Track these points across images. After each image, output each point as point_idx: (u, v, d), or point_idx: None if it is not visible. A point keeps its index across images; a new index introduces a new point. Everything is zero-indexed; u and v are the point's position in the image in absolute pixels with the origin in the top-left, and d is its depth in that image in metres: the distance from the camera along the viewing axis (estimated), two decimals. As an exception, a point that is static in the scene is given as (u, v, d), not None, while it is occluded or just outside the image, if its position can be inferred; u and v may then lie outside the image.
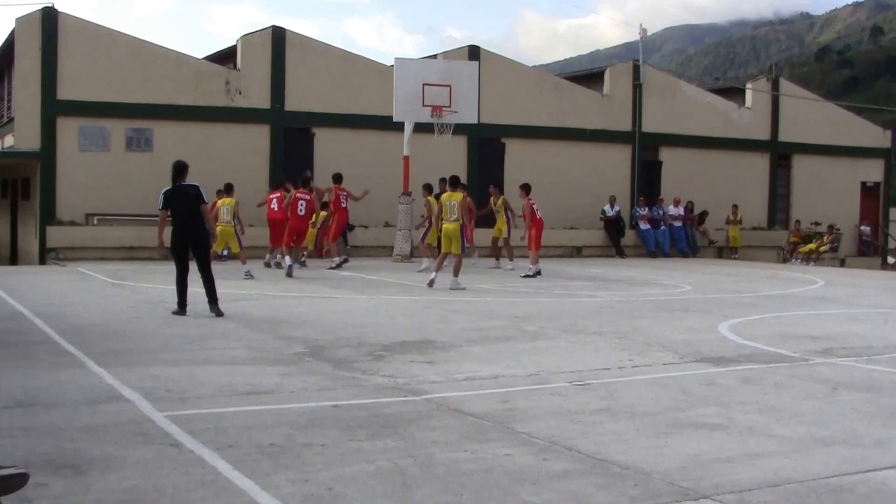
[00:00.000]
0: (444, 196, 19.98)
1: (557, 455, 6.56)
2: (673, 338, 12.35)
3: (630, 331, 12.99)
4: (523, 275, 22.07)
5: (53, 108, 27.04)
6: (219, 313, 13.83)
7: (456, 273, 18.85)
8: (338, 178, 24.68)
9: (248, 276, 20.08)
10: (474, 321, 13.82)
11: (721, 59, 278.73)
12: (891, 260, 39.07)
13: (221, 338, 11.78)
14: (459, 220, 19.30)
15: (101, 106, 27.32)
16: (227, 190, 23.34)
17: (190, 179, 26.15)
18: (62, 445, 6.55)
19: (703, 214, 34.99)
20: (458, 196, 19.61)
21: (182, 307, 14.08)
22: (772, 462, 6.48)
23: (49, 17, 27.05)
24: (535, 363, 10.21)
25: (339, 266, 23.57)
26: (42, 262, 25.70)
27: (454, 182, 19.95)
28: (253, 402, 8.04)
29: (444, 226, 19.63)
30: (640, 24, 36.97)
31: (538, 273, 22.18)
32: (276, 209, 23.83)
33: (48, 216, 26.65)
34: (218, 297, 14.14)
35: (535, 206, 22.59)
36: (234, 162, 28.53)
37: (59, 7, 27.41)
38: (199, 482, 5.79)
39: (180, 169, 14.33)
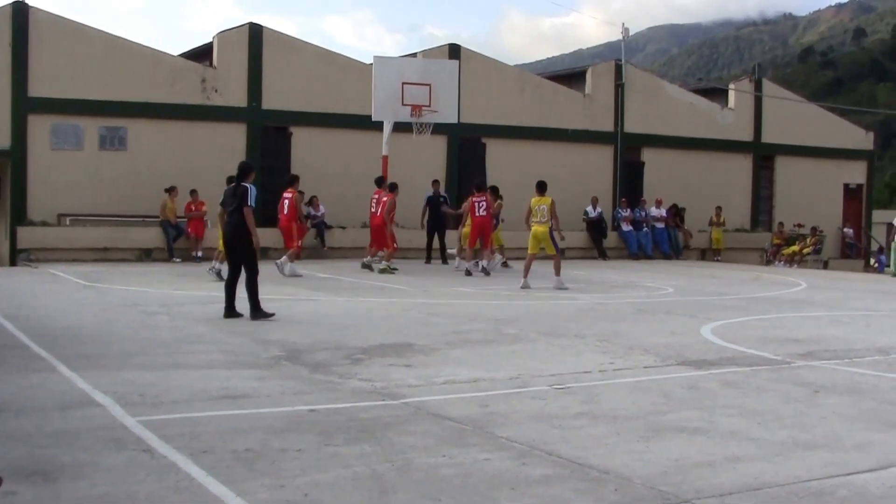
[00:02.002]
0: (533, 200, 20.27)
1: (537, 460, 6.51)
2: (655, 341, 12.31)
3: (611, 334, 12.94)
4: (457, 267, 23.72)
5: (24, 106, 26.74)
6: (255, 317, 13.84)
7: (557, 272, 19.88)
8: (481, 187, 24.24)
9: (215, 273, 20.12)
10: (454, 324, 13.75)
11: (704, 60, 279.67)
12: (873, 262, 39.16)
13: (197, 341, 11.67)
14: (548, 222, 19.95)
15: (73, 103, 27.07)
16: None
17: (167, 179, 26.19)
18: (32, 452, 6.46)
19: (681, 210, 34.89)
20: (547, 200, 20.00)
21: (228, 309, 14.14)
22: (753, 466, 6.46)
23: (20, 12, 26.77)
24: (515, 366, 10.15)
25: (485, 272, 23.39)
26: (13, 263, 25.41)
27: (542, 187, 20.44)
28: (228, 407, 7.94)
29: (533, 228, 20.14)
30: (623, 24, 36.97)
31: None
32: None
33: (19, 216, 26.35)
34: (259, 301, 13.96)
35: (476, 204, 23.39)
36: (210, 161, 28.33)
37: (30, 1, 27.13)
38: (172, 489, 5.72)
39: (244, 170, 14.41)
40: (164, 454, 6.43)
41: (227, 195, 14.50)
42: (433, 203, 26.87)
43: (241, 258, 14.06)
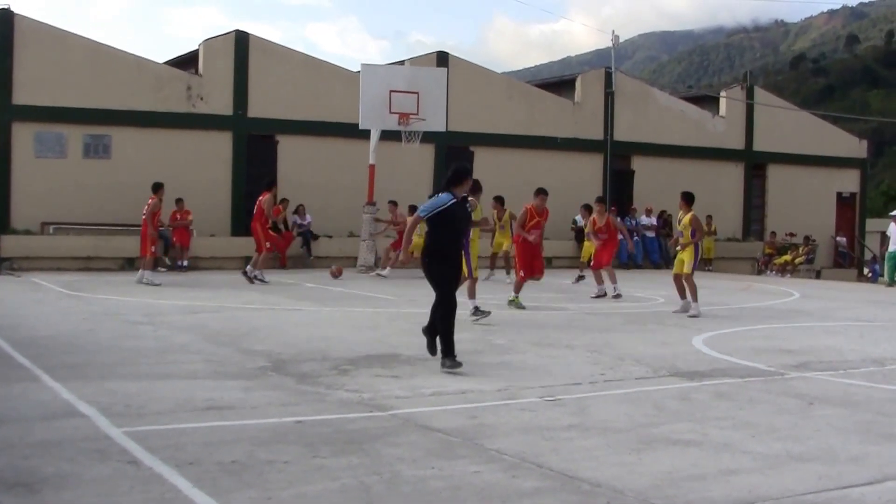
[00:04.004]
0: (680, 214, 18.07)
1: (527, 472, 6.44)
2: (646, 351, 12.25)
3: (602, 344, 12.88)
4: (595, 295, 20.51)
5: (8, 114, 26.68)
6: (445, 364, 10.51)
7: (694, 297, 17.11)
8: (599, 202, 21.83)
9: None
10: (441, 334, 13.62)
11: (695, 67, 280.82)
12: (867, 272, 39.19)
13: (181, 351, 11.55)
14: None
15: (57, 111, 26.98)
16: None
17: (148, 189, 25.85)
18: (15, 462, 6.36)
19: (670, 218, 34.81)
20: (689, 216, 17.57)
21: (430, 346, 11.02)
22: (746, 479, 6.40)
23: (4, 19, 26.71)
24: (504, 378, 10.08)
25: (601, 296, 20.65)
26: (-5, 272, 25.30)
27: (689, 198, 17.91)
28: (213, 418, 7.85)
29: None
30: (613, 31, 37.01)
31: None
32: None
33: (2, 225, 26.24)
34: (453, 347, 10.64)
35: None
36: (195, 170, 28.31)
37: (15, 9, 27.05)
38: (157, 500, 5.66)
39: (456, 176, 11.11)
40: (149, 465, 6.34)
41: None
42: None
43: (427, 276, 11.01)
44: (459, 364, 10.37)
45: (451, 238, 10.93)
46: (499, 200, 24.47)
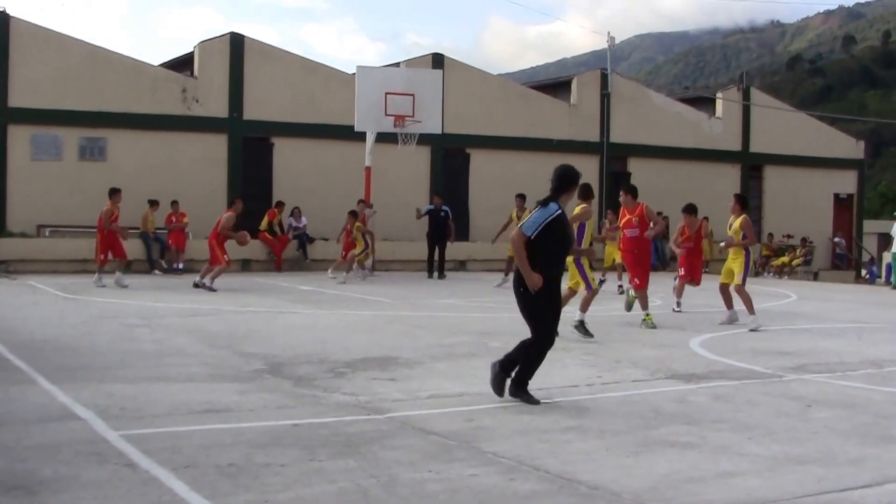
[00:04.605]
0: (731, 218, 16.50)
1: (525, 475, 6.43)
2: (643, 354, 12.25)
3: (599, 347, 12.90)
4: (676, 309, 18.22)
5: (4, 116, 26.70)
6: (514, 395, 8.93)
7: (750, 309, 15.71)
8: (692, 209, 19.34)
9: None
10: (439, 337, 13.65)
11: (691, 68, 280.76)
12: (865, 273, 39.16)
13: (178, 354, 11.53)
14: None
15: (53, 114, 26.99)
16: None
17: (147, 190, 25.75)
18: (12, 465, 6.35)
19: (665, 220, 34.75)
20: (740, 219, 16.18)
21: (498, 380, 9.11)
22: (744, 482, 6.38)
23: (0, 22, 26.67)
24: (500, 380, 10.01)
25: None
26: (-8, 275, 25.27)
27: (744, 201, 16.84)
28: (210, 421, 7.83)
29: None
30: (609, 33, 37.00)
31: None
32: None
33: (-2, 228, 26.23)
34: (526, 381, 9.01)
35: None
36: (191, 172, 28.32)
37: (11, 11, 27.05)
38: (155, 504, 5.63)
39: (563, 179, 9.31)
40: (146, 468, 6.33)
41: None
42: (434, 216, 26.35)
43: (522, 309, 9.19)
44: (536, 402, 8.72)
45: (555, 260, 9.00)
46: (522, 197, 23.59)
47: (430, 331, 14.46)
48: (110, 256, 21.48)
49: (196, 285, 20.44)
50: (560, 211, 8.94)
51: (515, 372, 8.90)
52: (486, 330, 14.63)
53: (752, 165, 38.53)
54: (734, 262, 16.18)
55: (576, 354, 12.10)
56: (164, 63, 31.85)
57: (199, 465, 6.42)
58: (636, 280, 15.86)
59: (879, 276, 32.41)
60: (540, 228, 8.79)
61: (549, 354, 12.05)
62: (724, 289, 16.42)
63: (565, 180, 9.17)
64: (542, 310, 8.92)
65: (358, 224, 24.31)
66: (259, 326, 14.62)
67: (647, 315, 15.50)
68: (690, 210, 19.09)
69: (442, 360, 11.47)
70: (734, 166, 38.15)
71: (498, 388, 8.92)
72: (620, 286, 22.04)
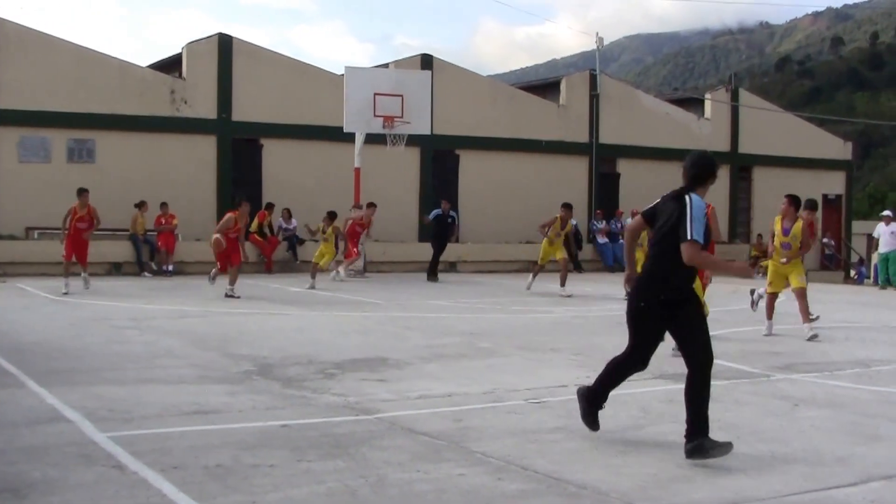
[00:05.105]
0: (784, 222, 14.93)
1: (513, 475, 6.45)
2: (631, 354, 12.20)
3: (587, 347, 12.90)
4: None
5: (-8, 119, 26.57)
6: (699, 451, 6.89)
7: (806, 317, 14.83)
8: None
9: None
10: (428, 338, 13.67)
11: (680, 69, 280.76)
12: (853, 274, 39.22)
13: (167, 356, 11.52)
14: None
15: (41, 115, 26.89)
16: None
17: (136, 192, 25.50)
18: (1, 468, 6.34)
19: None
20: (800, 223, 14.81)
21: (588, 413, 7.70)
22: (732, 480, 6.42)
23: (-13, 24, 26.64)
24: (490, 381, 10.07)
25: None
26: (-20, 278, 25.19)
27: (798, 202, 14.97)
28: (199, 422, 7.84)
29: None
30: (597, 34, 37.01)
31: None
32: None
33: (-14, 230, 26.15)
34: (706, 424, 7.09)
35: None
36: (179, 174, 28.26)
37: (-1, 14, 27.01)
38: (143, 505, 5.64)
39: (700, 167, 7.62)
40: (134, 470, 6.33)
41: (659, 209, 7.65)
42: (441, 221, 26.19)
43: (677, 332, 7.46)
44: (727, 447, 6.87)
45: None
46: (568, 207, 22.61)
47: (419, 332, 14.47)
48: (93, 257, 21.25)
49: (227, 295, 19.25)
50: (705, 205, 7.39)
51: (687, 427, 7.01)
52: (476, 331, 14.65)
53: (740, 166, 38.55)
54: (793, 267, 14.84)
55: (565, 355, 12.13)
56: (152, 64, 31.76)
57: (188, 467, 6.42)
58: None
59: (868, 277, 32.45)
60: (704, 226, 7.23)
61: (539, 355, 12.17)
62: (801, 296, 14.87)
63: (705, 168, 7.57)
64: (699, 327, 7.31)
65: (334, 226, 24.27)
66: (249, 328, 14.61)
67: None
68: (811, 206, 15.91)
69: (431, 360, 11.48)
70: (723, 167, 38.08)
71: (592, 421, 7.60)
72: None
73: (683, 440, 6.91)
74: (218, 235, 19.60)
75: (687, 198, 7.21)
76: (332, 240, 24.10)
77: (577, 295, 21.80)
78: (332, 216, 24.46)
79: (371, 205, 25.82)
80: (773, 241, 15.20)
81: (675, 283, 7.21)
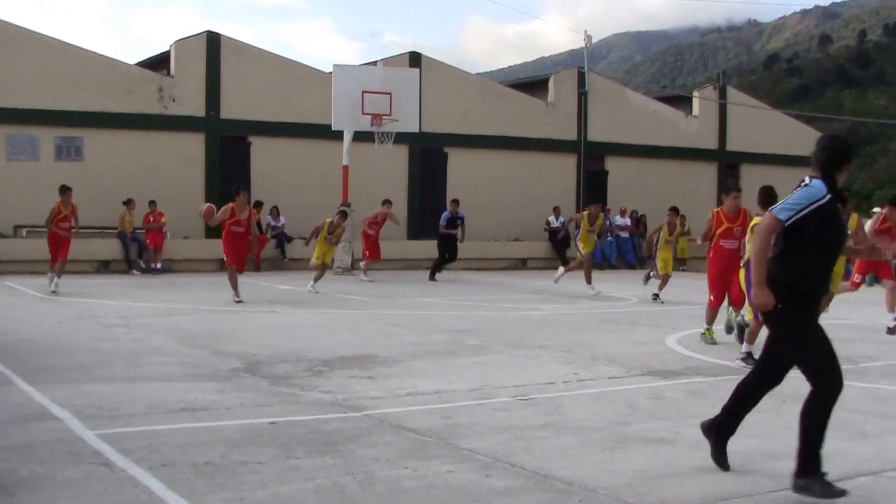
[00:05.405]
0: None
1: (501, 471, 6.46)
2: (619, 351, 12.29)
3: (576, 344, 12.91)
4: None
5: (-21, 117, 26.49)
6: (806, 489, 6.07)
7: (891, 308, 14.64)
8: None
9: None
10: (417, 335, 13.68)
11: (668, 67, 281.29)
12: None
13: (155, 354, 11.52)
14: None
15: (29, 113, 26.83)
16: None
17: (125, 189, 25.44)
18: (-11, 466, 6.33)
19: (642, 218, 34.85)
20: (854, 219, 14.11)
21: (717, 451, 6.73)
22: (719, 477, 6.43)
23: (-27, 21, 26.57)
24: (478, 378, 10.08)
25: None
26: (-32, 276, 25.11)
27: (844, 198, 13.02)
28: (187, 420, 7.83)
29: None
30: (586, 31, 37.02)
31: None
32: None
33: (-26, 228, 26.08)
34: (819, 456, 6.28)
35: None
36: (168, 172, 28.23)
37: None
38: (131, 502, 5.65)
39: (834, 151, 6.37)
40: (122, 467, 6.32)
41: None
42: (451, 223, 25.99)
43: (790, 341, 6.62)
44: (841, 493, 5.98)
45: (818, 266, 6.33)
46: (675, 210, 21.13)
47: (408, 329, 14.47)
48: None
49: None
50: (830, 196, 6.17)
51: (798, 455, 6.21)
52: (464, 328, 14.66)
53: (728, 164, 38.62)
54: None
55: (553, 352, 12.13)
56: (141, 62, 31.73)
57: (176, 464, 6.42)
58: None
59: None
60: (801, 214, 6.11)
61: (527, 352, 12.19)
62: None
63: (838, 153, 6.31)
64: (815, 336, 6.44)
65: (343, 227, 22.64)
66: (237, 326, 14.61)
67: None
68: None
69: (420, 358, 11.48)
70: (711, 164, 38.25)
71: (721, 460, 6.66)
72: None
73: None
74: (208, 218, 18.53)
75: (807, 178, 6.26)
76: (335, 240, 22.42)
77: (565, 292, 21.79)
78: (344, 215, 22.80)
79: (386, 202, 25.70)
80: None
81: (797, 276, 6.24)
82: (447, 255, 26.02)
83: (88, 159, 27.50)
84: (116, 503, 5.61)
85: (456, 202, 26.77)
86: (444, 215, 26.34)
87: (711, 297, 13.48)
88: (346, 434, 7.40)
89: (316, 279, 20.88)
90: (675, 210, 20.94)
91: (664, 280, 19.97)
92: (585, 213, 21.95)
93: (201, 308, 17.06)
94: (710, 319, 13.53)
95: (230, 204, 18.29)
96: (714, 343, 13.30)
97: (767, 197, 12.08)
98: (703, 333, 13.51)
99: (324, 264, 21.57)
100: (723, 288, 13.36)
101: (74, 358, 11.07)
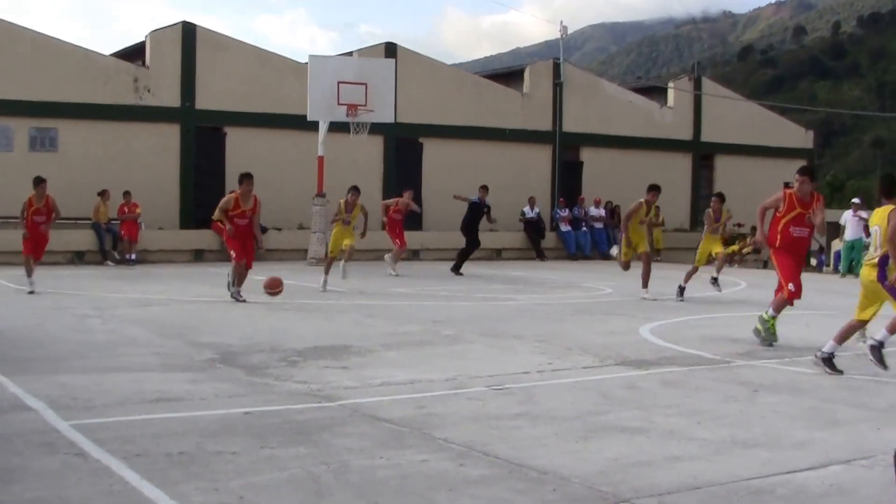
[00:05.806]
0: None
1: (475, 461, 6.47)
2: (593, 341, 12.31)
3: (550, 334, 12.94)
4: None
5: (-47, 107, 26.32)
6: None
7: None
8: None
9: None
10: (391, 325, 13.69)
11: (644, 58, 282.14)
12: (814, 262, 39.49)
13: (130, 344, 11.49)
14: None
15: (2, 104, 26.66)
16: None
17: (99, 180, 25.32)
18: (-38, 457, 6.30)
19: (616, 209, 34.84)
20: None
21: None
22: (692, 465, 6.46)
23: (-51, 13, 26.37)
24: (452, 368, 10.10)
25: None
26: (-59, 267, 24.92)
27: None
28: (162, 410, 7.82)
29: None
30: (561, 22, 37.06)
31: None
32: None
33: (-53, 219, 25.89)
34: None
35: None
36: (143, 163, 28.13)
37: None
38: (105, 492, 5.62)
39: None
40: (97, 458, 6.30)
41: None
42: (476, 210, 24.69)
43: None
44: None
45: None
46: (720, 198, 20.25)
47: (383, 319, 14.48)
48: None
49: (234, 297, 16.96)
50: None
51: None
52: (439, 318, 14.67)
53: (703, 154, 38.78)
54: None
55: (527, 342, 12.16)
56: (116, 53, 31.59)
57: (151, 454, 6.41)
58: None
59: (828, 265, 32.69)
60: None
61: (502, 342, 12.21)
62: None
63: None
64: None
65: (362, 204, 20.60)
66: (212, 316, 14.59)
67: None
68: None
69: (394, 348, 11.49)
70: (685, 155, 38.38)
71: None
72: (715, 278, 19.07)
73: None
74: (218, 220, 17.47)
75: None
76: (354, 222, 20.29)
77: (540, 282, 21.81)
78: (356, 190, 20.54)
79: (407, 190, 25.51)
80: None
81: None
82: (470, 242, 24.80)
83: (63, 150, 27.37)
84: (91, 494, 5.59)
85: (485, 188, 24.91)
86: (473, 198, 24.72)
87: (791, 287, 12.03)
88: (320, 424, 7.40)
89: (326, 270, 19.49)
90: (656, 189, 19.80)
91: (693, 271, 18.80)
92: (643, 201, 19.83)
93: (176, 299, 17.01)
94: (780, 308, 12.19)
95: (233, 193, 17.39)
96: (775, 341, 12.12)
97: (892, 185, 10.68)
98: (767, 322, 12.08)
99: (331, 259, 19.99)
100: (800, 276, 12.23)
101: (49, 349, 11.03)
